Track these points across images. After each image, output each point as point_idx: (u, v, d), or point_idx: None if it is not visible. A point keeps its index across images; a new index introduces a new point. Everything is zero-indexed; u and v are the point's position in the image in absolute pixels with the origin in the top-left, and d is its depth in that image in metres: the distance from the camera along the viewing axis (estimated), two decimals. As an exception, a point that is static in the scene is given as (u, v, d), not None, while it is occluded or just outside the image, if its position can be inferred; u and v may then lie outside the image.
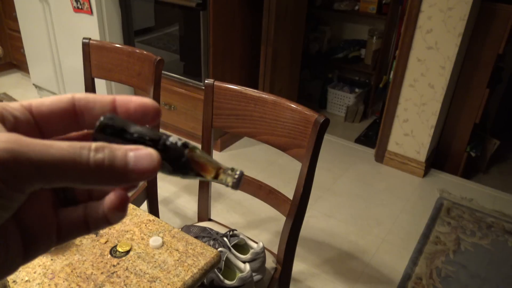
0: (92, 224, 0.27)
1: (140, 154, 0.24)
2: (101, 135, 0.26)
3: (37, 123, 0.26)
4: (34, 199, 0.26)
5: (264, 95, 1.22)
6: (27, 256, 0.26)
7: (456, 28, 2.28)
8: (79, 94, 0.27)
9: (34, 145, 0.22)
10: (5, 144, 0.22)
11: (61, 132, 0.28)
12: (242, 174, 0.28)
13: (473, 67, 2.52)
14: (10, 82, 3.73)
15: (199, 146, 0.26)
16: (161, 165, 0.25)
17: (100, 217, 0.27)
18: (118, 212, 0.26)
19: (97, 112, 0.27)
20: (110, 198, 0.26)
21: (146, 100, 0.27)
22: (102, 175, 0.23)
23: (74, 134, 0.29)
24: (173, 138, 0.26)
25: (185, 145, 0.26)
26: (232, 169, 0.27)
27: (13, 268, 0.26)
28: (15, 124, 0.25)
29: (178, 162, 0.26)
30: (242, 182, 0.28)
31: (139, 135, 0.26)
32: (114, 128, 0.26)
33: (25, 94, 3.51)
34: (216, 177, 0.27)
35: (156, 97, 1.52)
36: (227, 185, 0.27)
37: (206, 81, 1.29)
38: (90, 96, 0.27)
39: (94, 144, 0.24)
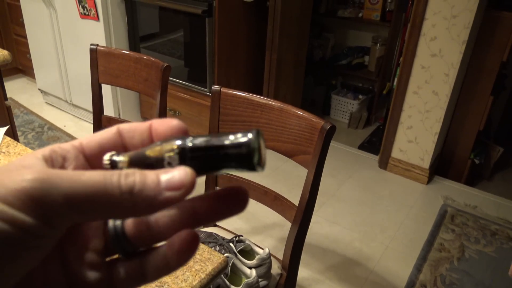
0: (151, 273, 0.26)
1: (173, 171, 0.23)
2: None
3: (89, 162, 0.26)
4: (85, 250, 0.26)
5: (270, 102, 1.23)
6: None
7: (460, 35, 2.29)
8: (123, 125, 0.27)
9: (64, 175, 0.21)
10: (32, 175, 0.21)
11: None
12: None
13: (477, 75, 2.53)
14: (16, 87, 3.76)
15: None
16: (196, 176, 0.23)
17: (160, 264, 0.25)
18: (189, 252, 0.25)
19: (136, 140, 0.26)
20: (179, 237, 0.25)
21: (173, 122, 0.26)
22: (134, 200, 0.22)
23: None
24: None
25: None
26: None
27: None
28: (64, 165, 0.25)
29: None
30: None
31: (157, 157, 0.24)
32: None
33: (31, 99, 3.54)
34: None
35: (163, 103, 1.53)
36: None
37: (213, 88, 1.31)
38: (132, 125, 0.27)
39: (124, 171, 0.23)
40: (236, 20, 2.56)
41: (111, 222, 0.26)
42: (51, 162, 0.24)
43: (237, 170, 0.24)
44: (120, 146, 0.26)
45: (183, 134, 0.26)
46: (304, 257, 2.09)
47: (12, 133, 1.94)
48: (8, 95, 3.66)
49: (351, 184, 2.67)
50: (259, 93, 2.83)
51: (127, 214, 0.23)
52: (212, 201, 0.26)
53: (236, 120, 1.30)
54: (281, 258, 1.36)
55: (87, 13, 2.68)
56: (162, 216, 0.26)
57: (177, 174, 0.23)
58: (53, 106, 3.45)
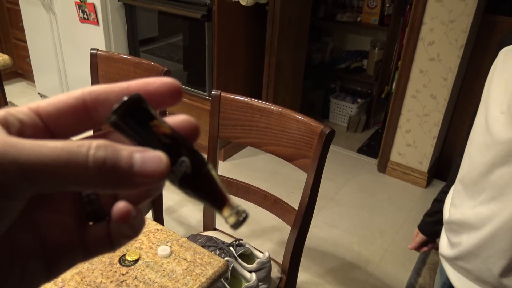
0: (115, 240, 0.26)
1: (147, 156, 0.22)
2: (121, 124, 0.23)
3: (46, 126, 0.24)
4: (54, 213, 0.25)
5: (270, 106, 1.24)
6: (50, 273, 0.25)
7: (457, 40, 2.30)
8: (89, 88, 0.25)
9: (23, 145, 0.20)
10: None
11: (76, 132, 0.25)
12: (247, 217, 0.26)
13: (474, 78, 2.54)
14: (15, 91, 3.76)
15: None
16: (169, 170, 0.22)
17: (119, 232, 0.25)
18: (126, 225, 0.24)
19: (112, 102, 0.24)
20: (113, 211, 0.24)
21: (167, 79, 0.25)
22: (102, 177, 0.21)
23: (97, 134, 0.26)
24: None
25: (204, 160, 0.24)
26: (239, 210, 0.26)
27: (34, 287, 0.24)
28: (21, 129, 0.23)
29: (196, 172, 0.24)
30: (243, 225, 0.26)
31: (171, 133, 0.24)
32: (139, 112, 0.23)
33: (30, 103, 3.54)
34: (220, 209, 0.25)
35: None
36: (226, 222, 0.26)
37: (213, 92, 1.31)
38: (101, 87, 0.25)
39: (95, 142, 0.21)
40: (235, 24, 2.57)
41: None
42: (7, 125, 0.22)
43: None
44: (83, 111, 0.24)
45: (179, 94, 0.25)
46: (303, 260, 2.09)
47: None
48: (8, 99, 3.66)
49: (350, 187, 2.67)
50: (258, 96, 2.84)
51: (91, 188, 0.22)
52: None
53: (236, 124, 1.31)
54: (280, 261, 1.37)
55: (86, 18, 2.69)
56: None
57: (151, 160, 0.22)
58: (53, 110, 3.45)
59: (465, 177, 0.90)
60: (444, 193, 1.17)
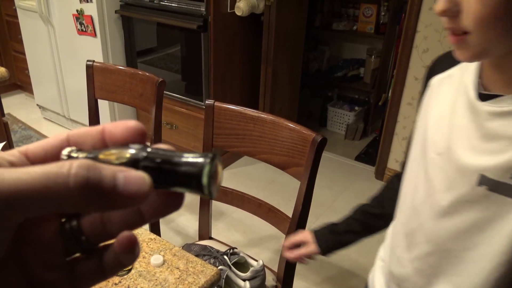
0: (108, 269, 0.26)
1: (130, 175, 0.22)
2: None
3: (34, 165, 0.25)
4: (42, 252, 0.26)
5: (263, 115, 1.25)
6: None
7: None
8: (72, 131, 0.27)
9: (2, 175, 0.20)
10: None
11: None
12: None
13: (470, 85, 2.56)
14: (14, 103, 3.78)
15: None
16: (152, 189, 0.23)
17: (114, 261, 0.26)
18: (128, 254, 0.25)
19: (88, 145, 0.26)
20: (119, 240, 0.25)
21: (130, 123, 0.26)
22: (85, 197, 0.21)
23: None
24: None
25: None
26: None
27: None
28: None
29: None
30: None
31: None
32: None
33: (29, 115, 3.56)
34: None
35: (158, 117, 1.55)
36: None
37: (206, 102, 1.33)
38: (81, 130, 0.26)
39: (77, 162, 0.21)
40: (231, 34, 2.60)
41: (67, 224, 0.26)
42: None
43: (187, 190, 0.24)
44: None
45: (140, 136, 0.26)
46: (300, 269, 2.09)
47: (9, 149, 1.95)
48: (7, 111, 3.68)
49: (347, 195, 2.68)
50: (255, 106, 2.85)
51: (75, 209, 0.22)
52: (153, 199, 0.26)
53: (229, 134, 1.32)
54: (276, 270, 1.37)
55: (84, 30, 2.72)
56: (113, 215, 0.26)
57: (135, 181, 0.22)
58: (51, 121, 3.47)
59: (405, 225, 0.79)
60: (365, 213, 1.05)
